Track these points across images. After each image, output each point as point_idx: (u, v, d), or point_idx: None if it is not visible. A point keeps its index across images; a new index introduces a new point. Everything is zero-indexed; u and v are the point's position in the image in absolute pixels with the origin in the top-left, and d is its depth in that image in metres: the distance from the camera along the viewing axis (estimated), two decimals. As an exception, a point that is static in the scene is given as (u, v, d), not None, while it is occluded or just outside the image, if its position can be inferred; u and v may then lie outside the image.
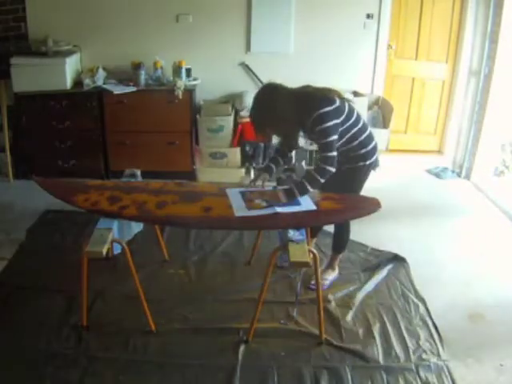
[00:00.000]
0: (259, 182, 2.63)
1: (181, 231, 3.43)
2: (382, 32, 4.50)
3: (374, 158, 2.67)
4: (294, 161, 4.34)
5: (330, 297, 2.79)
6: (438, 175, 4.68)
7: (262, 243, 3.07)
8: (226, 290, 2.83)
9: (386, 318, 2.64)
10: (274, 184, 2.83)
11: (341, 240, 2.93)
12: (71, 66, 4.16)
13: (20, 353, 2.31)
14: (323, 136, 2.40)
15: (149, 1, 4.34)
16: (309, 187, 2.44)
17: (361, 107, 4.29)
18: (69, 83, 4.11)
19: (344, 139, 2.52)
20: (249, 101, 4.41)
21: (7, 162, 4.23)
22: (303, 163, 4.39)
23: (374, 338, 2.50)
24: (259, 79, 4.50)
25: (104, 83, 4.21)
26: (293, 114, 2.41)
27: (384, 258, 3.21)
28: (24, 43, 4.23)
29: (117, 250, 2.85)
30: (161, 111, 4.18)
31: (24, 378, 2.19)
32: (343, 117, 2.47)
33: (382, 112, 4.50)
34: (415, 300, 2.81)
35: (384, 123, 4.43)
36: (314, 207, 2.41)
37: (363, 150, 2.61)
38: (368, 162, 2.65)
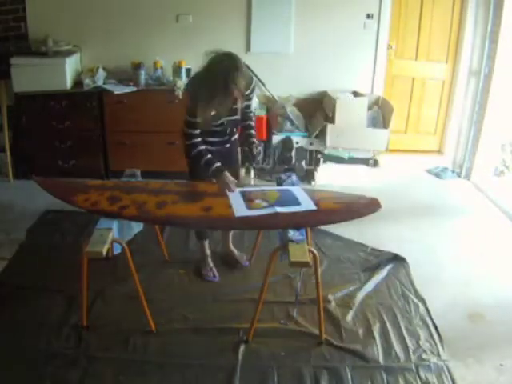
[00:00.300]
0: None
1: (181, 231, 3.43)
2: (382, 32, 4.50)
3: None
4: (293, 160, 4.34)
5: (330, 297, 2.79)
6: (438, 175, 4.68)
7: (261, 243, 3.07)
8: (225, 290, 2.83)
9: (386, 318, 2.64)
10: (274, 184, 2.84)
11: None
12: (71, 66, 4.16)
13: (20, 353, 2.31)
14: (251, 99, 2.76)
15: (149, 1, 4.35)
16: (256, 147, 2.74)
17: (361, 107, 4.32)
18: (69, 83, 4.11)
19: None
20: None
21: (7, 162, 4.23)
22: (303, 163, 4.39)
23: (373, 338, 2.50)
24: (259, 79, 4.51)
25: (104, 83, 4.21)
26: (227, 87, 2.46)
27: (384, 257, 3.21)
28: (24, 43, 4.23)
29: (117, 250, 2.84)
30: (161, 111, 4.18)
31: (24, 377, 2.19)
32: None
33: (382, 112, 4.50)
34: (415, 300, 2.81)
35: (384, 123, 4.43)
36: (314, 207, 2.42)
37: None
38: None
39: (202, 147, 2.61)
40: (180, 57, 4.26)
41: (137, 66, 4.20)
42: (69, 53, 4.19)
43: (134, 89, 4.13)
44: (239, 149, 3.00)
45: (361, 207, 2.54)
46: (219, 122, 2.64)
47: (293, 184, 2.77)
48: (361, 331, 2.55)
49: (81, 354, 2.32)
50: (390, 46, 4.67)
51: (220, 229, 3.10)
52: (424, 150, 5.06)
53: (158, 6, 4.34)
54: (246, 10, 4.38)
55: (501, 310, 2.75)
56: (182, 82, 4.15)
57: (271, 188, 2.76)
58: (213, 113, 2.57)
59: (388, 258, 3.21)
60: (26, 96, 4.04)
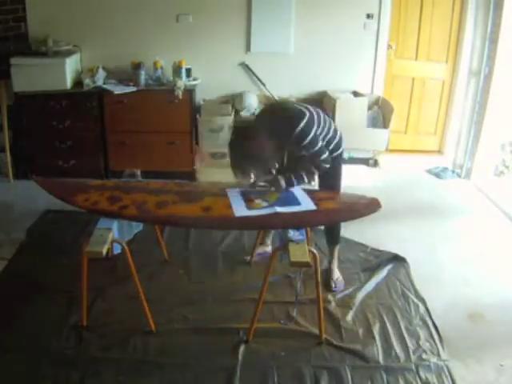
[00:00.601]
0: (260, 183, 2.64)
1: (181, 231, 3.43)
2: (382, 32, 4.50)
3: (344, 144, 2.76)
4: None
5: (330, 297, 2.79)
6: (438, 175, 4.68)
7: (262, 243, 3.07)
8: (225, 290, 2.83)
9: (386, 318, 2.64)
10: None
11: (336, 231, 2.92)
12: (71, 66, 4.16)
13: (20, 353, 2.31)
14: (312, 147, 2.45)
15: (149, 1, 4.35)
16: (306, 179, 2.56)
17: (361, 107, 4.32)
18: (69, 83, 4.11)
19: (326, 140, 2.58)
20: (249, 101, 4.42)
21: (7, 162, 4.22)
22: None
23: (373, 338, 2.49)
24: (259, 79, 4.51)
25: (104, 83, 4.21)
26: (270, 149, 2.43)
27: (384, 258, 3.21)
28: (24, 43, 4.23)
29: (117, 250, 2.84)
30: (161, 111, 4.18)
31: (24, 377, 2.19)
32: (317, 121, 2.50)
33: (382, 112, 4.50)
34: (415, 300, 2.81)
35: (384, 123, 4.44)
36: (314, 207, 2.42)
37: (339, 139, 2.69)
38: (341, 149, 2.75)
39: None
40: (180, 57, 4.27)
41: (137, 66, 4.19)
42: (69, 53, 4.19)
43: (134, 89, 4.13)
44: None
45: (361, 207, 2.54)
46: None
47: None
48: (361, 331, 2.55)
49: (81, 354, 2.32)
50: (390, 46, 4.68)
51: (220, 229, 3.10)
52: (424, 150, 5.06)
53: (158, 6, 4.34)
54: (246, 9, 4.38)
55: (501, 310, 2.75)
56: (182, 82, 4.15)
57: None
58: None
59: (388, 258, 3.21)
60: (26, 96, 4.04)
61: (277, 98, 4.51)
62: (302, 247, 2.25)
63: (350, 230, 3.40)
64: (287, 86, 4.53)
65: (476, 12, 4.47)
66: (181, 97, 4.11)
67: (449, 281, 3.02)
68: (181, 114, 4.22)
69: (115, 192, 2.53)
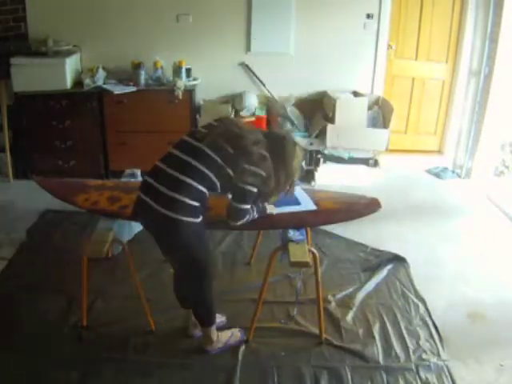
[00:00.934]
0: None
1: (181, 231, 3.42)
2: (382, 32, 4.50)
3: None
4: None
5: (330, 297, 2.79)
6: (438, 175, 4.68)
7: (261, 243, 3.07)
8: (225, 290, 2.82)
9: (386, 318, 2.64)
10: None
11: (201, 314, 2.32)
12: (71, 66, 4.16)
13: (20, 353, 2.31)
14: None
15: (149, 1, 4.34)
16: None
17: (361, 107, 4.32)
18: (69, 83, 4.11)
19: None
20: (249, 101, 4.42)
21: (7, 162, 4.22)
22: (303, 163, 4.38)
23: (373, 337, 2.49)
24: (259, 79, 4.51)
25: (104, 83, 4.21)
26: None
27: (384, 258, 3.21)
28: (24, 43, 4.22)
29: (117, 250, 2.85)
30: (161, 111, 4.18)
31: (24, 377, 2.19)
32: None
33: (382, 112, 4.50)
34: (415, 300, 2.81)
35: (384, 123, 4.43)
36: (314, 207, 2.41)
37: None
38: None
39: None
40: (180, 57, 4.27)
41: (137, 66, 4.19)
42: (69, 53, 4.19)
43: (133, 89, 4.13)
44: None
45: (361, 207, 2.54)
46: None
47: None
48: (361, 331, 2.55)
49: (81, 354, 2.32)
50: (390, 46, 4.67)
51: (220, 229, 3.09)
52: (424, 150, 5.06)
53: (158, 7, 4.33)
54: (246, 9, 4.38)
55: (501, 310, 2.75)
56: (182, 82, 4.15)
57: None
58: None
59: (388, 258, 3.21)
60: (26, 96, 4.04)
61: (277, 99, 4.51)
62: (302, 247, 2.26)
63: (349, 230, 3.40)
64: (287, 86, 4.53)
65: (476, 12, 4.47)
66: (181, 97, 4.11)
67: (449, 281, 3.02)
68: (181, 114, 4.22)
69: (115, 192, 2.53)
